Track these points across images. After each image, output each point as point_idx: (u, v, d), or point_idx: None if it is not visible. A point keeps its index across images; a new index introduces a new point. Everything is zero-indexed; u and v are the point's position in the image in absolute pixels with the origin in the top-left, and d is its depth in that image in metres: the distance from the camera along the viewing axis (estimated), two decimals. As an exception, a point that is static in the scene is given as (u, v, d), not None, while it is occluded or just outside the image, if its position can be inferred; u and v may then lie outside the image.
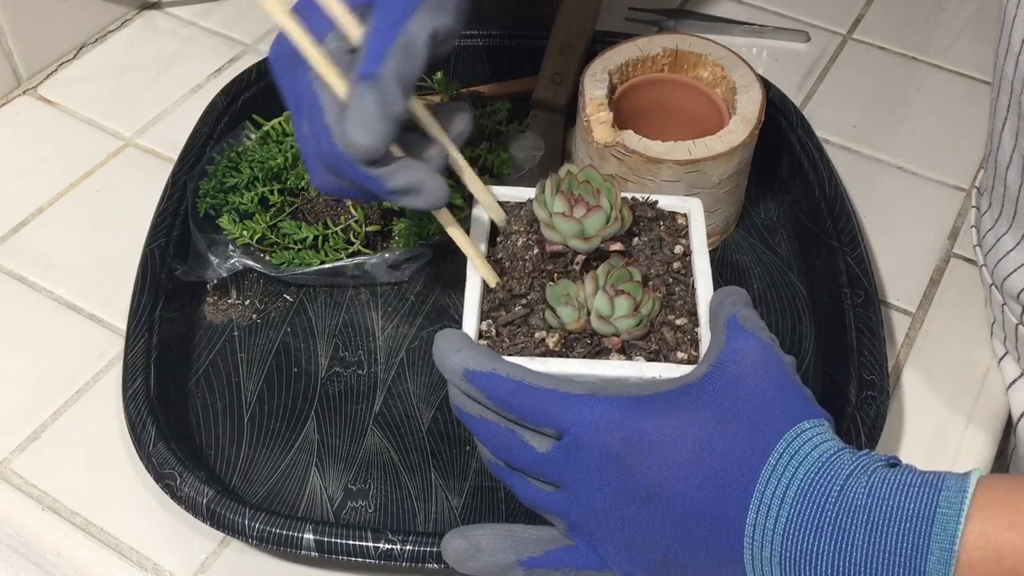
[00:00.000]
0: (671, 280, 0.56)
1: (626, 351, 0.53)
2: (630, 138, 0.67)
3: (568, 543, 0.48)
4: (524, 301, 0.55)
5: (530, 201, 0.58)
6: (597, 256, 0.55)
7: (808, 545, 0.42)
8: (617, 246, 0.55)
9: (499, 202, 0.59)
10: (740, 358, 0.47)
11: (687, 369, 0.52)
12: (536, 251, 0.56)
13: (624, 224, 0.55)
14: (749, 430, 0.45)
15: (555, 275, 0.55)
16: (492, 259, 0.56)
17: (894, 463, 0.44)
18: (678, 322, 0.54)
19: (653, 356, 0.53)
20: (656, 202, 0.59)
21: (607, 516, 0.46)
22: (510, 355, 0.52)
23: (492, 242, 0.58)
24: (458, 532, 0.50)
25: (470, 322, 0.54)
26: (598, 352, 0.53)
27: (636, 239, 0.58)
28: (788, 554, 0.42)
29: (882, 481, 0.42)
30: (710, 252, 0.58)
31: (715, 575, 0.45)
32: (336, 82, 0.50)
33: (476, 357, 0.48)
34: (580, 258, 0.55)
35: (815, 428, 0.45)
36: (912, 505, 0.41)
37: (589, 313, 0.53)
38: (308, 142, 0.51)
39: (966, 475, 0.41)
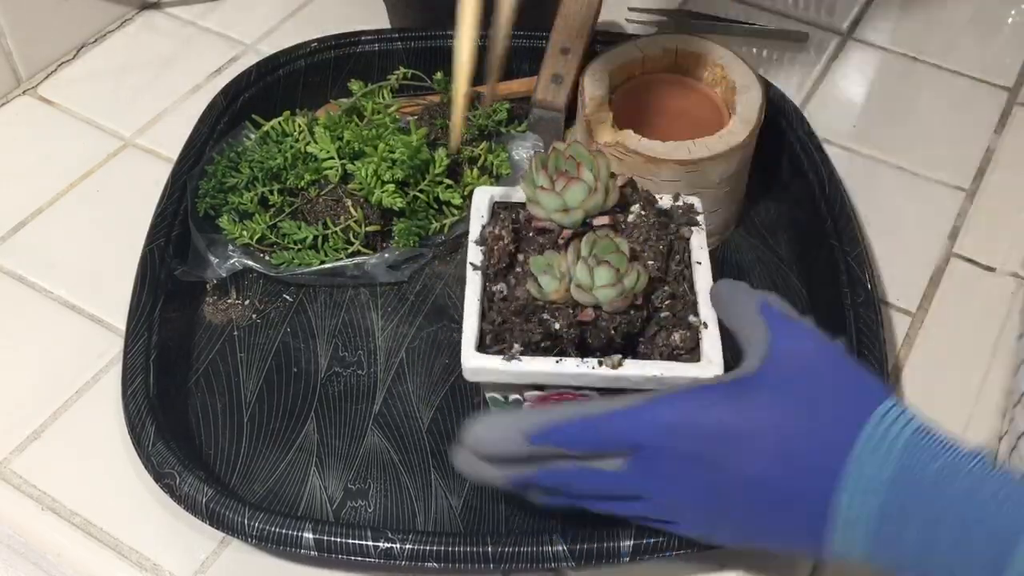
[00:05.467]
0: (666, 251, 0.56)
1: (618, 335, 0.53)
2: (630, 138, 0.67)
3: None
4: (516, 271, 0.55)
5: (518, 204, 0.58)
6: (586, 232, 0.55)
7: (896, 531, 0.43)
8: (603, 220, 0.55)
9: (497, 202, 0.59)
10: (799, 349, 0.48)
11: (693, 368, 0.52)
12: (511, 230, 0.56)
13: (609, 198, 0.55)
14: (832, 417, 0.45)
15: (543, 250, 0.55)
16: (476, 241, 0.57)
17: (979, 456, 0.44)
18: (663, 310, 0.54)
19: (650, 342, 0.53)
20: (657, 200, 0.59)
21: (693, 508, 0.48)
22: (520, 345, 0.52)
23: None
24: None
25: (470, 322, 0.54)
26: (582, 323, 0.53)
27: (631, 216, 0.57)
28: (878, 536, 0.43)
29: (978, 482, 0.43)
30: (710, 252, 0.58)
31: (792, 549, 0.48)
32: None
33: (530, 420, 0.48)
34: (567, 233, 0.55)
35: (896, 408, 0.45)
36: (1002, 521, 0.41)
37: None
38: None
39: None
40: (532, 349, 0.53)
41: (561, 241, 0.55)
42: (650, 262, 0.55)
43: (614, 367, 0.52)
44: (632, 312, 0.53)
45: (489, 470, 0.50)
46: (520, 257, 0.56)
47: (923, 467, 0.43)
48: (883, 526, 0.43)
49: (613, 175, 0.56)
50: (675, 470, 0.46)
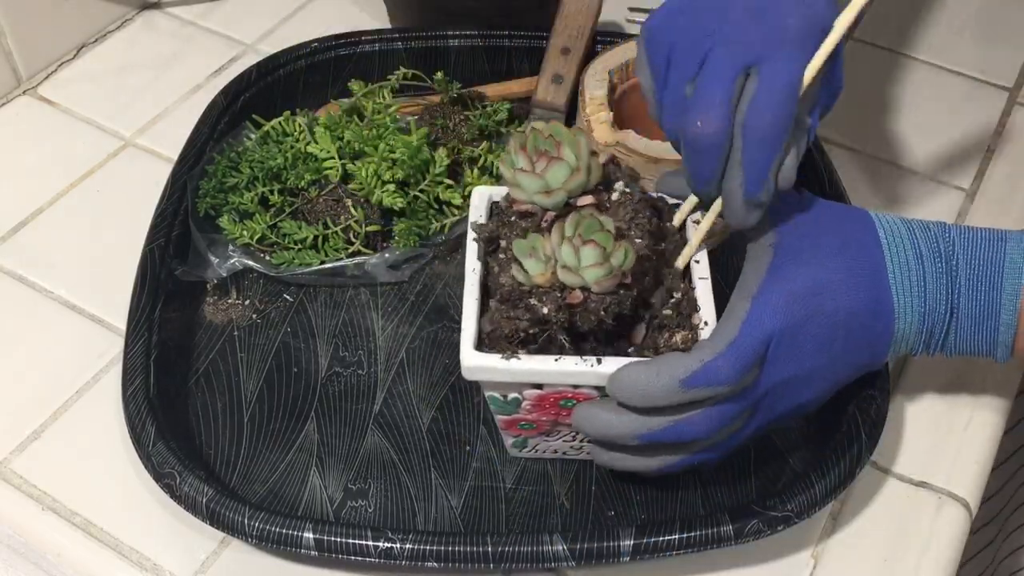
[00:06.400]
0: (651, 227, 0.54)
1: (608, 316, 0.52)
2: (630, 138, 0.67)
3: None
4: (499, 257, 0.54)
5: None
6: (569, 213, 0.53)
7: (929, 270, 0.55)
8: (587, 200, 0.53)
9: (495, 202, 0.59)
10: (785, 204, 0.56)
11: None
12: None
13: (592, 177, 0.53)
14: (856, 242, 0.55)
15: (526, 234, 0.53)
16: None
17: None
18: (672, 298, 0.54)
19: (650, 342, 0.53)
20: (640, 176, 0.58)
21: (823, 368, 0.54)
22: (507, 331, 0.52)
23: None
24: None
25: (469, 322, 0.54)
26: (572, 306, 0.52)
27: (615, 194, 0.55)
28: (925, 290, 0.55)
29: (964, 234, 0.56)
30: (709, 253, 0.58)
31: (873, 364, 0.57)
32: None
33: (682, 366, 0.50)
34: (550, 215, 0.53)
35: (878, 213, 0.57)
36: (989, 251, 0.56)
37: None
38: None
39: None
40: (520, 337, 0.52)
41: (544, 224, 0.53)
42: (638, 240, 0.53)
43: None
44: (622, 292, 0.51)
45: (628, 423, 0.52)
46: (502, 243, 0.55)
47: (933, 238, 0.56)
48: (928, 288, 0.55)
49: (594, 153, 0.54)
50: (806, 335, 0.53)
